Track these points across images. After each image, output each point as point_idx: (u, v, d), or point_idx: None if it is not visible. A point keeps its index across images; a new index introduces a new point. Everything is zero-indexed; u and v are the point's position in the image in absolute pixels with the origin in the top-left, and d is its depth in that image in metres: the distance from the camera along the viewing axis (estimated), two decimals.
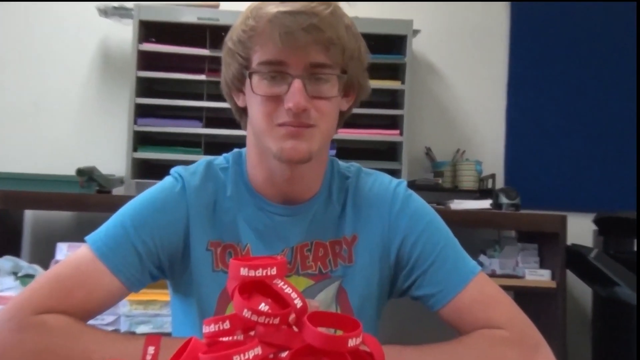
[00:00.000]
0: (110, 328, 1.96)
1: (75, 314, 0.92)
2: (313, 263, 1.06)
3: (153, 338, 0.81)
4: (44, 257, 2.23)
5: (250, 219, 1.06)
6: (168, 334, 1.14)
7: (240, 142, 1.10)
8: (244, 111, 1.05)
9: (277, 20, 0.92)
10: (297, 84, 0.94)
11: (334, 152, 2.33)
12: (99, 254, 0.96)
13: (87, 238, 1.00)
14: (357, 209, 1.09)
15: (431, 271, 1.03)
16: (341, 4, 1.01)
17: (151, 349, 0.79)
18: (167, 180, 1.07)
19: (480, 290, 1.02)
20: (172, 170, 1.08)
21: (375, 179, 1.12)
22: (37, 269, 2.15)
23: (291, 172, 1.02)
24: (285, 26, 0.91)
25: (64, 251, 2.12)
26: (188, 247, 1.04)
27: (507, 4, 2.73)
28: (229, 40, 1.01)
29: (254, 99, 0.98)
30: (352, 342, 0.69)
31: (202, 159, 1.11)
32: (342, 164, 1.14)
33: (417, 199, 1.10)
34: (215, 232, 1.05)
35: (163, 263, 1.02)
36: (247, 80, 0.98)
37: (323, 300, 1.05)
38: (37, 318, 0.89)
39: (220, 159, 1.11)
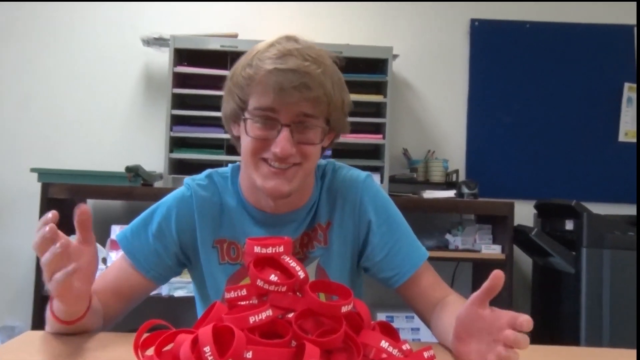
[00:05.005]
0: (154, 292, 1.95)
1: (108, 291, 0.96)
2: (300, 249, 1.01)
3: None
4: (102, 237, 2.23)
5: (246, 223, 1.00)
6: None
7: None
8: (238, 139, 0.97)
9: (272, 76, 0.85)
10: (285, 132, 0.87)
11: (329, 152, 2.32)
12: (126, 252, 0.99)
13: (117, 237, 1.01)
14: (330, 198, 1.02)
15: (386, 260, 1.00)
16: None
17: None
18: (181, 189, 1.02)
19: (426, 276, 1.01)
20: (184, 181, 1.03)
21: (347, 172, 1.04)
22: (97, 245, 2.13)
23: (274, 202, 0.96)
24: (279, 82, 0.85)
25: (116, 231, 2.12)
26: (197, 245, 1.00)
27: (468, 30, 2.69)
28: (230, 80, 0.94)
29: (246, 136, 0.91)
30: (345, 308, 0.69)
31: (206, 170, 1.04)
32: (318, 163, 1.04)
33: (381, 192, 1.04)
34: (221, 231, 1.00)
35: (180, 258, 1.00)
36: (242, 120, 0.91)
37: None
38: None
39: (225, 169, 1.04)
